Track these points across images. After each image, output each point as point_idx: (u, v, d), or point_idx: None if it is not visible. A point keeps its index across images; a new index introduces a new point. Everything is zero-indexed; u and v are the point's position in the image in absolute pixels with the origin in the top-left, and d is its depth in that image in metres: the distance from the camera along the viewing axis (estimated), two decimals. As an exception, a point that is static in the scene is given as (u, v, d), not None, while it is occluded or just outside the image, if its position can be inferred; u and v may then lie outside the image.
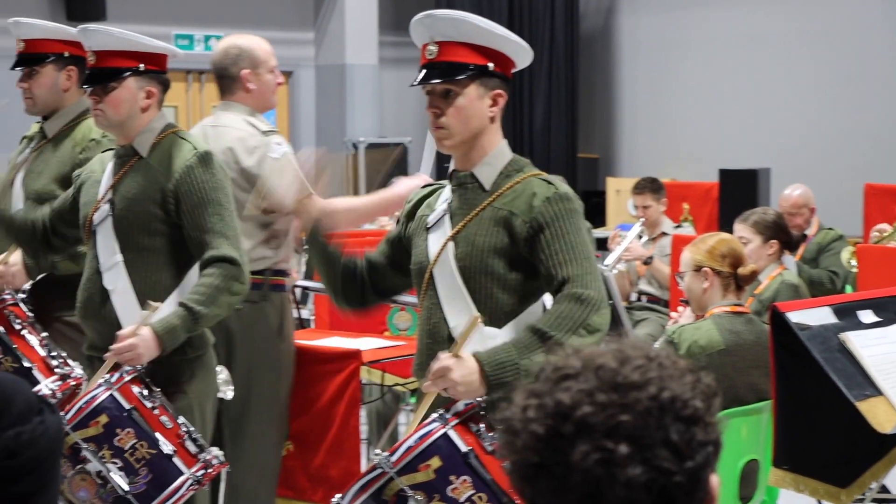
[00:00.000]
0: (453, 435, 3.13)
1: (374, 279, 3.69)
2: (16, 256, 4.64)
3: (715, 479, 1.50)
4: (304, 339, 5.36)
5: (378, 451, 3.11)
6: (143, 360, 3.86)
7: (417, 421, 3.23)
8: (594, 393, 1.46)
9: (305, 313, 7.08)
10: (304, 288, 6.41)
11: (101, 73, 4.04)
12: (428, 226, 3.49)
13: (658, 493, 1.44)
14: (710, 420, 1.50)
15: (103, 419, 3.80)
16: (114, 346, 3.87)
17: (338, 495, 3.14)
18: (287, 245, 4.93)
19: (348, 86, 13.92)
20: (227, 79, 4.84)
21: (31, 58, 4.75)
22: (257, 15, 13.60)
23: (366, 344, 5.44)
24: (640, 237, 8.28)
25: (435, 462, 3.10)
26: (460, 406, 3.17)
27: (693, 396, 1.48)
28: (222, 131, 4.79)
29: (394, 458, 3.11)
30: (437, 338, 3.39)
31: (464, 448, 3.13)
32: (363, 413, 5.63)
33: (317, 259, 3.71)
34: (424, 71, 3.41)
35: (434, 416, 3.18)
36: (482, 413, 3.18)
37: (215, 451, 3.92)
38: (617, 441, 1.44)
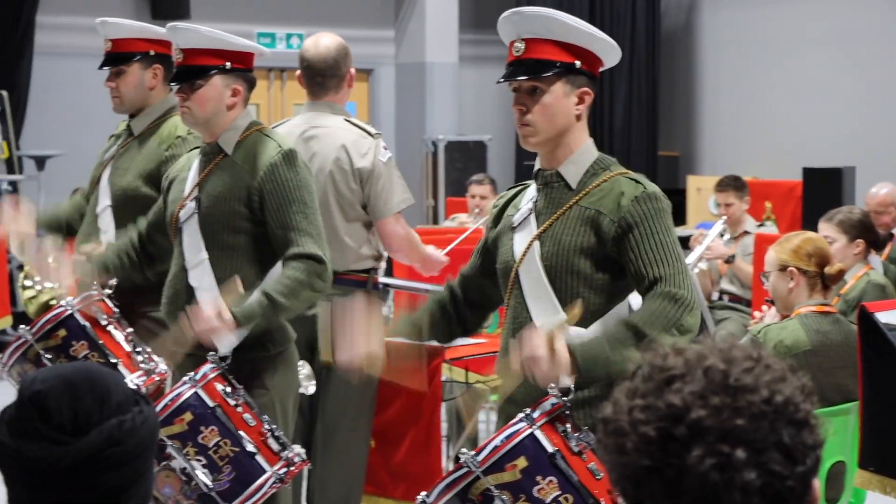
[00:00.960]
0: (540, 435, 3.11)
1: (469, 293, 3.69)
2: (100, 249, 4.69)
3: (816, 483, 1.49)
4: (385, 337, 5.37)
5: (464, 449, 3.09)
6: (223, 337, 3.87)
7: (503, 397, 3.25)
8: (706, 395, 1.45)
9: (386, 310, 7.09)
10: (385, 285, 6.43)
11: (189, 71, 4.06)
12: (513, 225, 3.47)
13: (772, 498, 1.44)
14: (816, 423, 1.48)
15: (188, 416, 3.82)
16: (196, 326, 3.88)
17: (423, 493, 3.13)
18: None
19: (428, 84, 13.93)
20: (338, 77, 4.91)
21: (118, 57, 4.80)
22: (339, 13, 13.65)
23: (447, 342, 5.44)
24: (722, 235, 8.20)
25: (521, 462, 3.08)
26: (547, 406, 3.15)
27: (803, 399, 1.47)
28: (330, 132, 4.84)
29: (480, 458, 3.09)
30: (522, 337, 3.37)
31: (550, 448, 3.11)
32: (444, 410, 5.63)
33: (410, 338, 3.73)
34: (511, 68, 3.40)
35: (520, 415, 3.16)
36: (568, 413, 3.16)
37: (297, 448, 3.94)
38: (733, 445, 1.43)
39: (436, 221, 13.24)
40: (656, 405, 1.46)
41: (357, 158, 4.82)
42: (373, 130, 4.90)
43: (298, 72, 5.06)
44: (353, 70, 5.00)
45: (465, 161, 13.57)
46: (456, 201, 11.10)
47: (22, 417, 1.96)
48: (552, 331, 3.16)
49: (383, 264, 7.47)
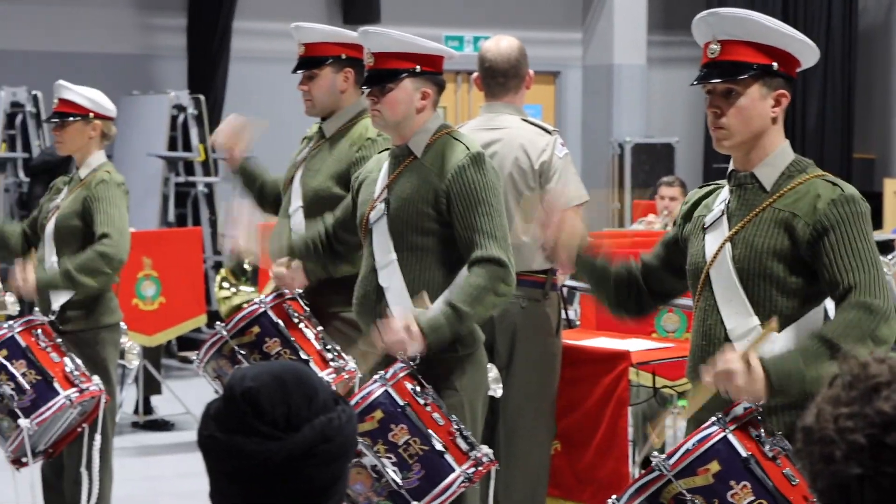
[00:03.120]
0: (733, 439, 3.07)
1: (649, 282, 3.65)
2: (296, 261, 4.79)
3: None
4: (570, 339, 5.36)
5: (656, 453, 3.07)
6: (410, 351, 3.92)
7: (692, 411, 3.20)
8: None
9: (571, 313, 7.07)
10: (571, 287, 6.41)
11: (379, 75, 4.11)
12: (705, 226, 3.43)
13: None
14: None
15: (378, 414, 3.87)
16: (385, 337, 3.94)
17: (613, 497, 3.11)
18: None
19: (615, 86, 13.86)
20: (517, 78, 4.95)
21: (311, 61, 4.88)
22: (526, 16, 13.68)
23: (634, 345, 5.41)
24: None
25: (714, 466, 3.04)
26: (739, 410, 3.11)
27: None
28: (509, 132, 4.88)
29: (672, 461, 3.07)
30: (713, 340, 3.32)
31: (744, 453, 3.07)
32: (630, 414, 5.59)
33: (586, 276, 3.68)
34: (705, 70, 3.35)
35: (712, 419, 3.12)
36: (760, 418, 3.11)
37: (485, 448, 3.95)
38: None
39: (621, 224, 13.17)
40: (864, 413, 1.43)
41: (535, 157, 4.84)
42: (550, 127, 4.94)
43: (475, 74, 5.09)
44: (531, 71, 5.02)
45: (652, 163, 13.46)
46: (642, 204, 11.02)
47: (234, 413, 1.99)
48: (748, 347, 3.12)
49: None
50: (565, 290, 6.08)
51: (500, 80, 4.97)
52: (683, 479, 3.06)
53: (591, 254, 3.63)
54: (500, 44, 4.99)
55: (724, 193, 3.45)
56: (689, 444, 3.08)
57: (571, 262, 3.64)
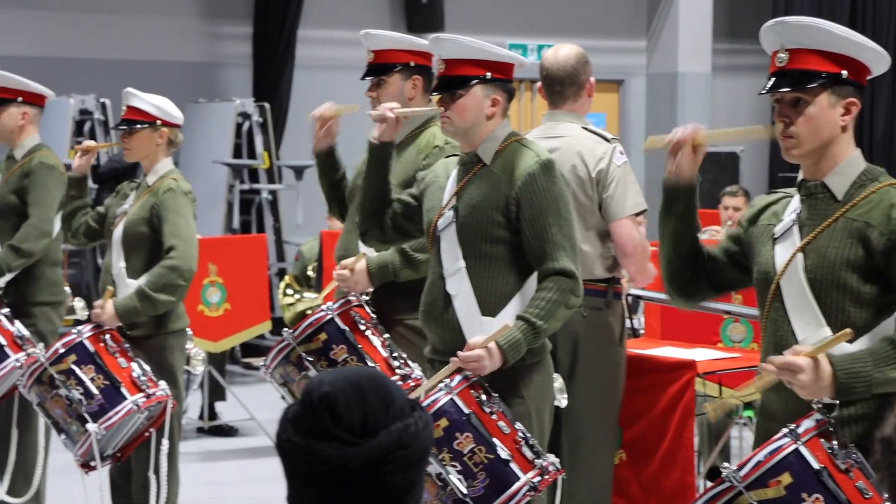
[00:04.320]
0: (805, 451, 3.05)
1: (710, 270, 3.62)
2: (361, 263, 4.80)
3: None
4: (635, 348, 5.34)
5: (726, 464, 3.05)
6: (486, 371, 3.94)
7: (747, 394, 3.17)
8: None
9: (636, 322, 7.05)
10: (636, 296, 6.39)
11: (450, 81, 4.12)
12: (775, 236, 3.40)
13: None
14: None
15: (443, 423, 3.87)
16: (462, 354, 3.95)
17: (683, 508, 3.11)
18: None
19: (680, 94, 13.79)
20: (576, 85, 4.93)
21: (380, 68, 4.90)
22: (590, 24, 13.65)
23: (700, 355, 5.37)
24: None
25: (786, 478, 3.02)
26: (811, 422, 3.08)
27: None
28: (567, 140, 4.87)
29: (742, 473, 3.05)
30: (783, 351, 3.30)
31: (816, 465, 3.04)
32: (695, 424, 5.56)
33: (682, 208, 3.56)
34: (773, 79, 3.33)
35: (784, 430, 3.10)
36: (833, 430, 3.08)
37: (551, 457, 3.94)
38: None
39: (686, 233, 13.09)
40: None
41: (592, 165, 4.82)
42: (609, 136, 4.91)
43: (539, 83, 5.09)
44: (592, 79, 5.00)
45: (716, 172, 13.36)
46: (707, 213, 10.94)
47: (311, 417, 2.00)
48: (817, 345, 3.09)
49: (623, 273, 7.40)
50: (630, 298, 6.05)
51: (556, 88, 4.96)
52: (754, 490, 3.04)
53: (688, 209, 3.55)
54: (558, 52, 4.99)
55: (795, 203, 3.42)
56: (760, 456, 3.06)
57: (692, 168, 3.53)
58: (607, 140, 4.88)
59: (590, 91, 4.99)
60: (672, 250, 3.61)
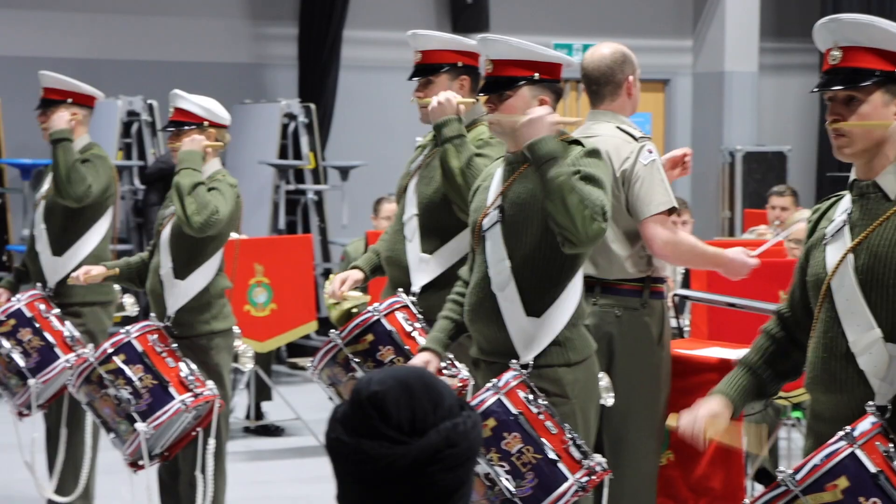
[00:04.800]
0: (861, 455, 3.02)
1: (801, 332, 3.50)
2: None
3: None
4: (681, 349, 5.31)
5: (782, 467, 3.03)
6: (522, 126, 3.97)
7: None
8: None
9: (683, 322, 7.01)
10: (682, 297, 6.35)
11: (497, 82, 4.12)
12: (826, 237, 3.37)
13: None
14: None
15: (491, 423, 3.87)
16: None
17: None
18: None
19: (726, 93, 13.72)
20: (612, 84, 4.87)
21: (427, 68, 4.90)
22: (636, 23, 13.61)
23: (748, 356, 5.33)
24: None
25: (842, 482, 3.00)
26: (866, 425, 3.06)
27: None
28: (600, 140, 4.83)
29: (799, 476, 3.03)
30: (834, 352, 3.27)
31: (873, 469, 3.02)
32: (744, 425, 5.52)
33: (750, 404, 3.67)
34: (826, 77, 3.30)
35: (839, 434, 3.07)
36: (888, 433, 3.05)
37: (599, 457, 3.93)
38: None
39: (732, 233, 13.03)
40: None
41: (618, 164, 4.76)
42: (638, 134, 4.82)
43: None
44: (630, 78, 4.90)
45: (763, 172, 13.29)
46: (754, 213, 10.89)
47: (360, 417, 2.01)
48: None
49: (678, 276, 7.36)
50: (676, 298, 6.02)
51: (593, 87, 4.93)
52: (811, 494, 3.02)
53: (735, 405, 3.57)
54: (596, 51, 4.94)
55: (845, 203, 3.39)
56: (816, 460, 3.04)
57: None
58: (636, 139, 4.83)
59: (629, 90, 4.90)
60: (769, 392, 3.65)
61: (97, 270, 5.47)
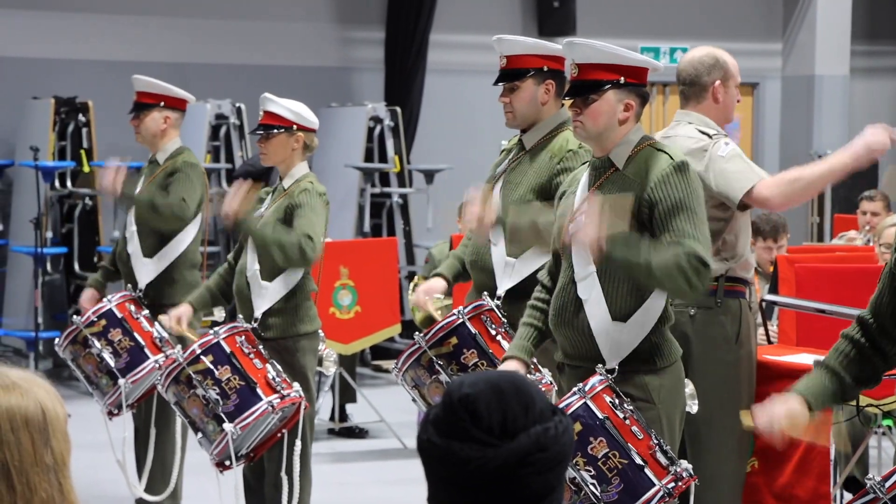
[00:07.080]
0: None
1: (885, 337, 3.49)
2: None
3: None
4: (769, 355, 5.26)
5: (871, 475, 2.99)
6: (586, 228, 3.92)
7: None
8: None
9: (772, 329, 6.94)
10: (771, 302, 6.29)
11: (583, 86, 4.10)
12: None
13: None
14: None
15: (577, 427, 3.86)
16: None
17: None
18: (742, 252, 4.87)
19: (816, 97, 13.57)
20: (697, 87, 4.90)
21: (513, 73, 4.89)
22: (724, 26, 13.50)
23: (836, 362, 5.27)
24: None
25: None
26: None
27: None
28: (675, 141, 4.82)
29: (888, 485, 3.00)
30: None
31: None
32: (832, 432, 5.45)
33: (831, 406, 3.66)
34: None
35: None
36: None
37: (685, 463, 3.91)
38: None
39: (821, 239, 12.87)
40: None
41: (696, 163, 4.73)
42: (712, 132, 4.83)
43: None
44: (717, 83, 4.90)
45: (854, 177, 13.08)
46: (844, 218, 10.75)
47: (451, 419, 2.03)
48: None
49: (761, 282, 7.26)
50: (764, 304, 5.96)
51: (681, 88, 5.01)
52: None
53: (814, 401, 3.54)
54: (689, 54, 5.03)
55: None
56: None
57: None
58: (710, 136, 4.83)
59: (714, 95, 4.92)
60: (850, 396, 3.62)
61: (185, 322, 5.53)
